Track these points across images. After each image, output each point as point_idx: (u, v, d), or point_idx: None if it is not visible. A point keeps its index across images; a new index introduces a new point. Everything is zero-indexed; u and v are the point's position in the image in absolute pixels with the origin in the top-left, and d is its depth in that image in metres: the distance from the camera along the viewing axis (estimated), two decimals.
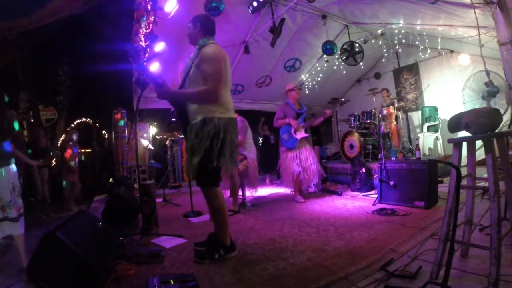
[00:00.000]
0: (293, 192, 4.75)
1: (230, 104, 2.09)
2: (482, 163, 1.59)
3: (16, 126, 4.79)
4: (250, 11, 4.60)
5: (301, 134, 3.95)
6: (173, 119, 2.87)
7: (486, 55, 3.63)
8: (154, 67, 4.38)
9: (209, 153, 1.92)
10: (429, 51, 5.60)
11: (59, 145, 6.81)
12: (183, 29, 2.44)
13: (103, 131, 8.89)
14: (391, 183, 3.28)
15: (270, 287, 1.58)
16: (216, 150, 1.93)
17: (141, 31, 3.93)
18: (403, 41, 5.99)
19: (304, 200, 3.94)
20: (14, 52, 5.07)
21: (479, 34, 3.31)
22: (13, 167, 2.12)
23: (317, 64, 6.92)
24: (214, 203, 2.03)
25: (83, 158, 6.19)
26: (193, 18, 2.17)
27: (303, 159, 3.95)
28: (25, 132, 6.47)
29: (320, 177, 4.47)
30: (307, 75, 7.28)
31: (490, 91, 4.84)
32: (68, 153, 4.98)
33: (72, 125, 8.57)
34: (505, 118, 4.55)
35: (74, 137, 5.22)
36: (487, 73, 4.24)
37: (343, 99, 4.93)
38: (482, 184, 2.10)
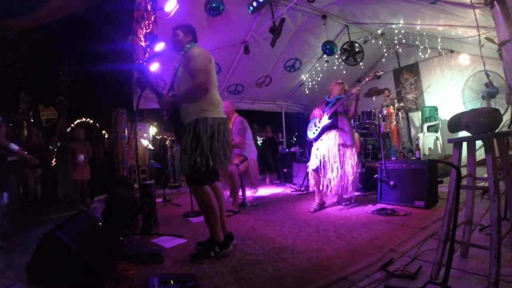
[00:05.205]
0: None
1: (220, 103, 2.14)
2: (482, 163, 1.59)
3: None
4: (250, 11, 4.60)
5: (323, 122, 3.38)
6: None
7: (486, 55, 3.63)
8: (154, 67, 4.38)
9: (203, 153, 1.95)
10: (429, 51, 5.61)
11: (61, 143, 6.80)
12: None
13: (103, 131, 8.90)
14: (391, 183, 3.28)
15: (270, 287, 1.58)
16: (210, 150, 1.97)
17: (141, 31, 3.94)
18: (403, 41, 5.99)
19: (314, 209, 3.24)
20: (14, 52, 5.07)
21: (479, 34, 3.30)
22: None
23: (317, 64, 6.93)
24: (202, 200, 2.04)
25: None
26: (181, 26, 2.20)
27: (321, 154, 3.26)
28: (25, 132, 6.47)
29: (352, 188, 3.27)
30: (307, 75, 7.28)
31: (490, 92, 4.86)
32: (78, 150, 4.98)
33: (72, 125, 8.58)
34: (505, 118, 4.55)
35: (81, 135, 5.20)
36: (487, 74, 4.24)
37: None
38: (482, 184, 2.11)
